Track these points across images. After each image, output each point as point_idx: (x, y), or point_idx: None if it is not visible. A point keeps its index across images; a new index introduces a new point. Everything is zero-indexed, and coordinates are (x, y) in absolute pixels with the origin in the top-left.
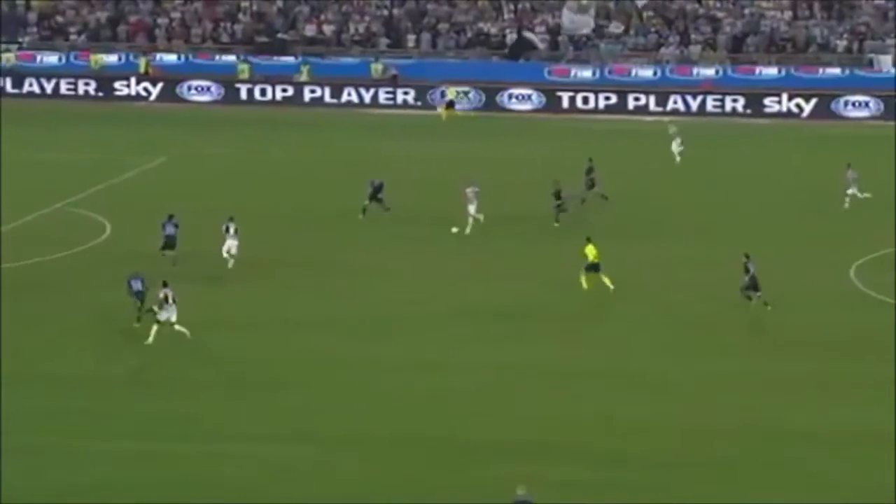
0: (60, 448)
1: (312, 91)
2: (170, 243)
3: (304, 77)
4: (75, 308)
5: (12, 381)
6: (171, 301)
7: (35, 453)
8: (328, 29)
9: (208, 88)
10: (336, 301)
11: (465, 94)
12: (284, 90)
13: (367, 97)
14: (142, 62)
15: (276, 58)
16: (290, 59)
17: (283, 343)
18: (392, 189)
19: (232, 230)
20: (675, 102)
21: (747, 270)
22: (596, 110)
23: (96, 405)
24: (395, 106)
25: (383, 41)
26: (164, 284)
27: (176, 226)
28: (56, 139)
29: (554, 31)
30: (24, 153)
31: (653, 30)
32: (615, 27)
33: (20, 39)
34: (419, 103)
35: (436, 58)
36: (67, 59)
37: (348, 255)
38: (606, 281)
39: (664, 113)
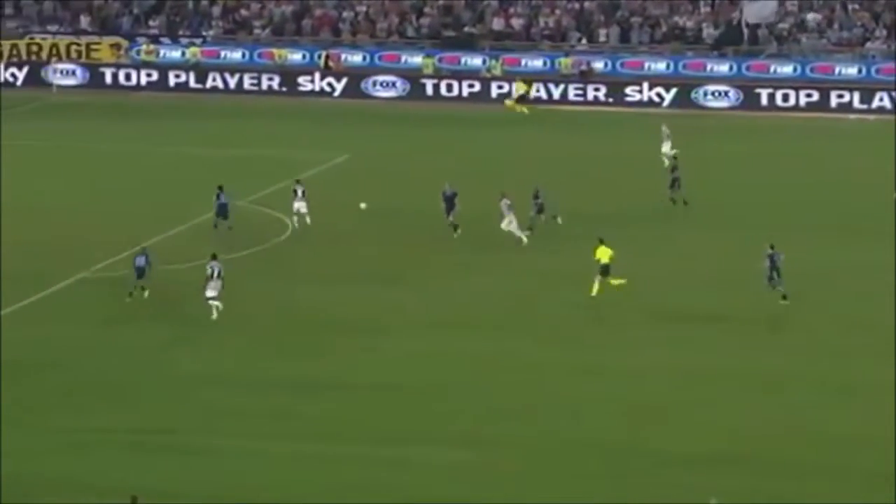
0: (238, 448)
1: (500, 87)
2: (222, 212)
3: (496, 72)
4: (259, 308)
5: (201, 382)
6: (216, 276)
7: (212, 453)
8: (517, 23)
9: (393, 84)
10: (509, 303)
11: (663, 90)
12: (471, 86)
13: (556, 93)
14: (324, 57)
15: (462, 52)
16: (476, 54)
17: (448, 345)
18: (577, 188)
19: (300, 193)
20: (882, 100)
21: None
22: (797, 107)
23: (267, 405)
24: (585, 102)
25: (574, 35)
26: (213, 257)
27: (226, 197)
28: (239, 135)
29: (753, 27)
30: (208, 149)
31: (858, 23)
32: (815, 20)
33: (204, 33)
34: (611, 100)
35: (628, 53)
36: (251, 55)
37: (516, 255)
38: (615, 283)
39: (869, 111)
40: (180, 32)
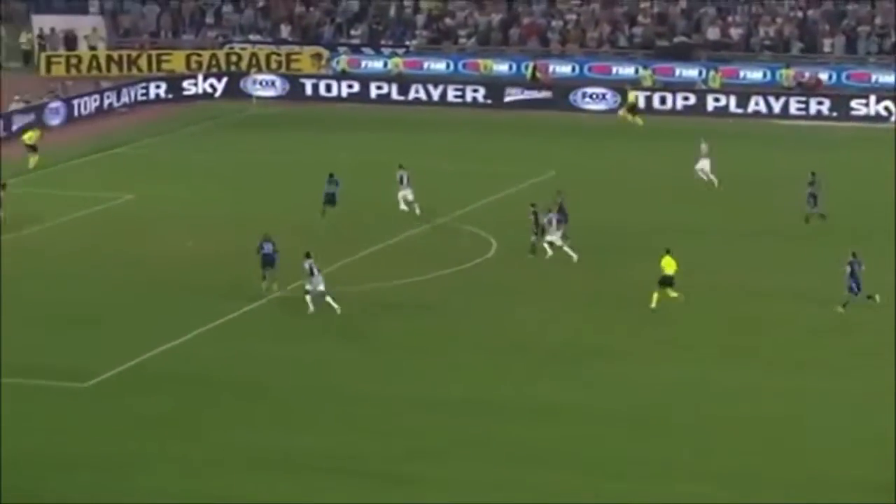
0: (437, 478)
1: (716, 99)
2: (330, 200)
3: (713, 84)
4: (466, 331)
5: (421, 406)
6: (315, 272)
7: (404, 482)
8: (735, 32)
9: (603, 96)
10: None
11: (892, 103)
12: (686, 98)
13: (777, 107)
14: (531, 67)
15: (677, 63)
16: (692, 65)
17: (686, 372)
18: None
19: (406, 180)
20: None
21: None
22: None
23: (497, 432)
24: (808, 117)
25: (796, 45)
26: (307, 256)
27: (336, 183)
28: (442, 148)
29: None
30: (409, 162)
31: None
32: None
33: (407, 43)
34: (835, 114)
35: (855, 64)
36: (456, 65)
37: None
38: (674, 295)
39: None
40: (382, 42)
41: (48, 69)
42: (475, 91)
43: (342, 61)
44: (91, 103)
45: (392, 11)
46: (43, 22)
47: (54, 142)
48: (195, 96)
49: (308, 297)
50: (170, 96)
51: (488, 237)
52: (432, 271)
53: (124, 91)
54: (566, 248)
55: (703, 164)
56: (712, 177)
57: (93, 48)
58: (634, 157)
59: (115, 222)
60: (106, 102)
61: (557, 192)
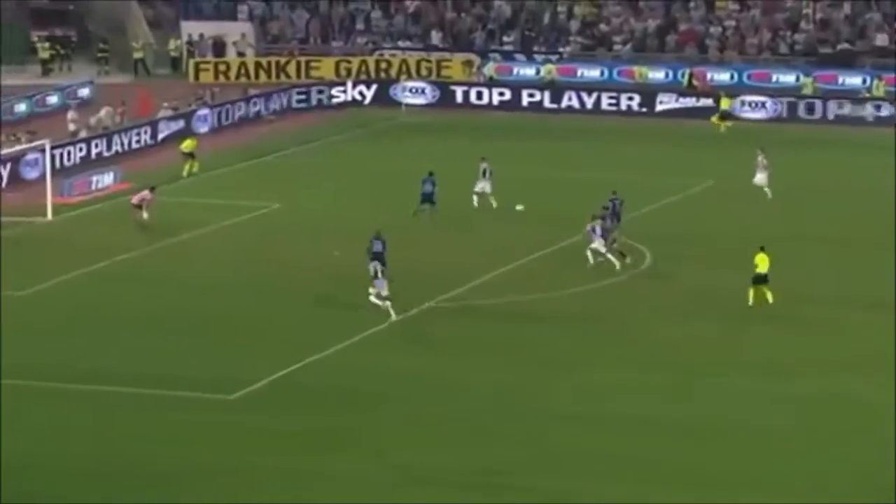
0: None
1: (877, 107)
2: (428, 199)
3: (877, 92)
4: (627, 342)
5: (572, 421)
6: (380, 275)
7: (558, 495)
8: None
9: (763, 104)
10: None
11: None
12: (840, 106)
13: None
14: (688, 75)
15: (840, 71)
16: (856, 73)
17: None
18: None
19: (487, 173)
20: None
21: None
22: None
23: (624, 447)
24: None
25: None
26: (372, 258)
27: (434, 184)
28: (595, 157)
29: None
30: (562, 171)
31: None
32: None
33: (560, 50)
34: None
35: None
36: (610, 73)
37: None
38: (769, 296)
39: None
40: (535, 49)
41: (196, 76)
42: (630, 99)
43: (491, 68)
44: (239, 111)
45: (545, 17)
46: (192, 28)
47: (201, 150)
48: (344, 104)
49: (377, 302)
50: (318, 104)
51: (643, 249)
52: (585, 283)
53: (273, 98)
54: (609, 256)
55: (760, 178)
56: (767, 189)
57: (241, 55)
58: (795, 166)
59: (262, 231)
60: (254, 110)
61: (613, 192)
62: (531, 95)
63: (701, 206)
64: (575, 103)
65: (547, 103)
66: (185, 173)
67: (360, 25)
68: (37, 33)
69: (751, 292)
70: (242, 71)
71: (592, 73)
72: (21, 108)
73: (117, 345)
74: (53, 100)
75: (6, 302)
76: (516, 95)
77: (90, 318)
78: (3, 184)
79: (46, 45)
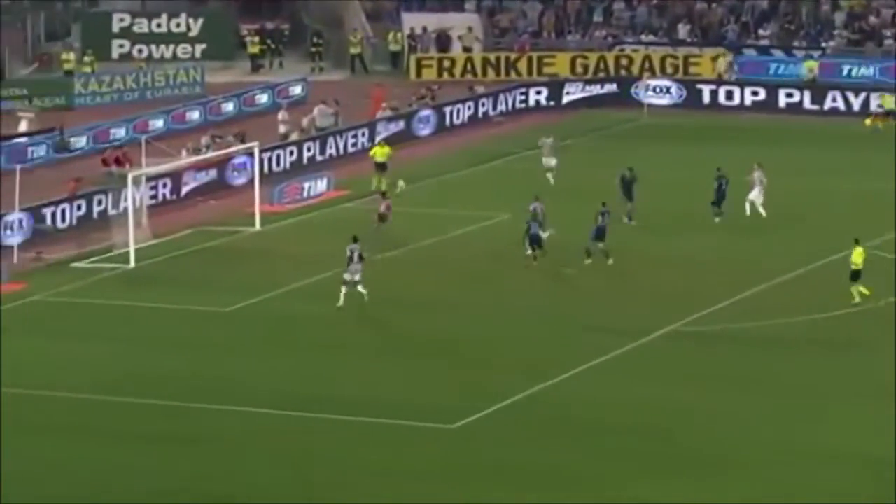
0: None
1: None
2: (600, 235)
3: None
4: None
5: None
6: (356, 259)
7: None
8: None
9: None
10: None
11: None
12: None
13: None
14: None
15: None
16: None
17: None
18: None
19: (549, 149)
20: None
21: None
22: None
23: None
24: None
25: None
26: (354, 240)
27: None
28: (864, 166)
29: None
30: (825, 181)
31: None
32: None
33: (823, 45)
34: None
35: None
36: (880, 71)
37: None
38: (864, 291)
39: None
40: (795, 43)
41: (418, 73)
42: None
43: (744, 65)
44: (464, 111)
45: (807, 8)
46: (414, 21)
47: (423, 155)
48: (579, 104)
49: (343, 288)
50: (551, 104)
51: None
52: (842, 308)
53: (501, 97)
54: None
55: (548, 161)
56: (760, 209)
57: (467, 50)
58: None
59: (489, 244)
60: (481, 110)
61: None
62: (789, 96)
63: None
64: (840, 105)
65: (807, 104)
66: (373, 186)
67: (598, 18)
68: (246, 27)
69: (853, 290)
70: (468, 67)
71: (862, 70)
72: (228, 107)
73: (329, 368)
74: (263, 99)
75: (211, 318)
76: (772, 96)
77: (297, 339)
78: (209, 191)
79: (256, 39)
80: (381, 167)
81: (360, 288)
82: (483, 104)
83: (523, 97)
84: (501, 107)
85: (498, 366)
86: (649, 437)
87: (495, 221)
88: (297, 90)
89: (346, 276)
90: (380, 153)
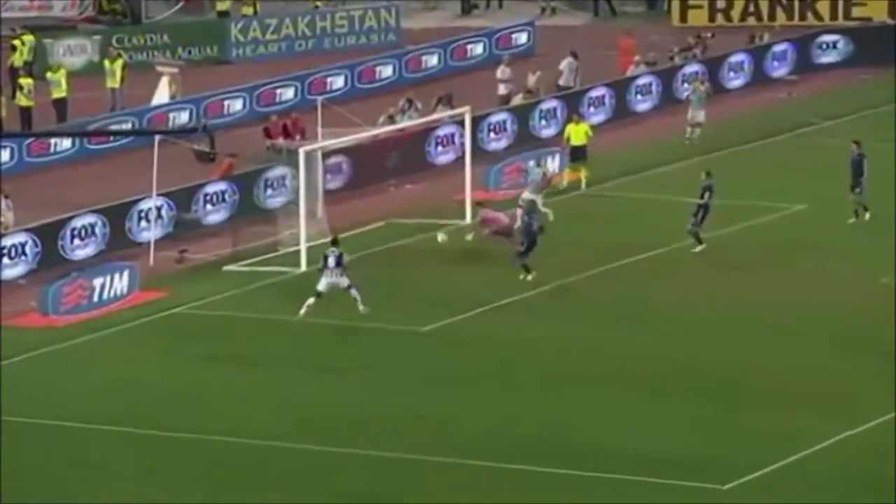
0: None
1: None
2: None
3: None
4: None
5: None
6: (332, 265)
7: None
8: None
9: None
10: None
11: None
12: None
13: None
14: None
15: None
16: None
17: None
18: None
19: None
20: None
21: None
22: None
23: None
24: None
25: None
26: (334, 243)
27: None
28: None
29: None
30: None
31: None
32: None
33: None
34: None
35: None
36: None
37: None
38: None
39: None
40: None
41: (683, 17)
42: None
43: None
44: (744, 67)
45: None
46: None
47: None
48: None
49: (311, 300)
50: (856, 59)
51: None
52: None
53: (791, 50)
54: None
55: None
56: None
57: None
58: None
59: (779, 244)
60: (766, 66)
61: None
62: None
63: None
64: None
65: None
66: (563, 183)
67: None
68: None
69: None
70: (751, 9)
71: None
72: (432, 61)
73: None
74: (478, 50)
75: (404, 337)
76: None
77: (520, 368)
78: (405, 171)
79: None
80: (579, 154)
81: (353, 292)
82: (771, 58)
83: (834, 48)
84: (793, 62)
85: (784, 408)
86: None
87: (786, 214)
88: (521, 38)
89: (321, 287)
90: (576, 134)
